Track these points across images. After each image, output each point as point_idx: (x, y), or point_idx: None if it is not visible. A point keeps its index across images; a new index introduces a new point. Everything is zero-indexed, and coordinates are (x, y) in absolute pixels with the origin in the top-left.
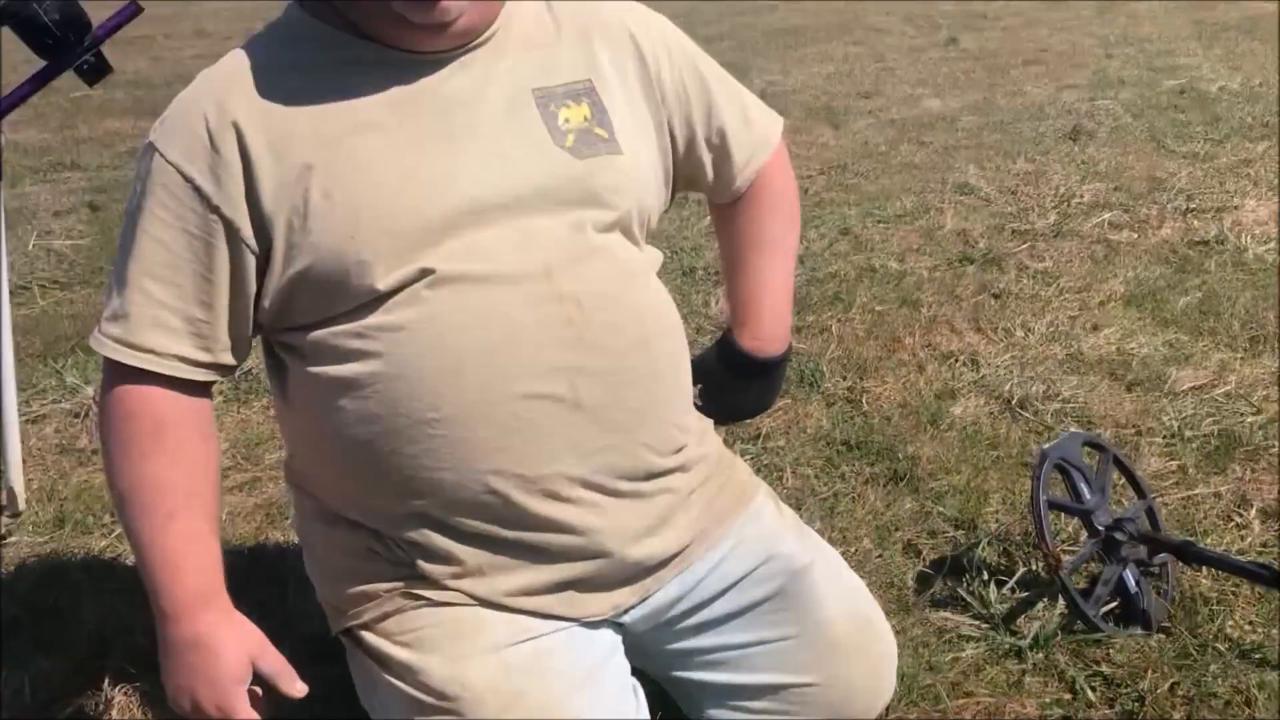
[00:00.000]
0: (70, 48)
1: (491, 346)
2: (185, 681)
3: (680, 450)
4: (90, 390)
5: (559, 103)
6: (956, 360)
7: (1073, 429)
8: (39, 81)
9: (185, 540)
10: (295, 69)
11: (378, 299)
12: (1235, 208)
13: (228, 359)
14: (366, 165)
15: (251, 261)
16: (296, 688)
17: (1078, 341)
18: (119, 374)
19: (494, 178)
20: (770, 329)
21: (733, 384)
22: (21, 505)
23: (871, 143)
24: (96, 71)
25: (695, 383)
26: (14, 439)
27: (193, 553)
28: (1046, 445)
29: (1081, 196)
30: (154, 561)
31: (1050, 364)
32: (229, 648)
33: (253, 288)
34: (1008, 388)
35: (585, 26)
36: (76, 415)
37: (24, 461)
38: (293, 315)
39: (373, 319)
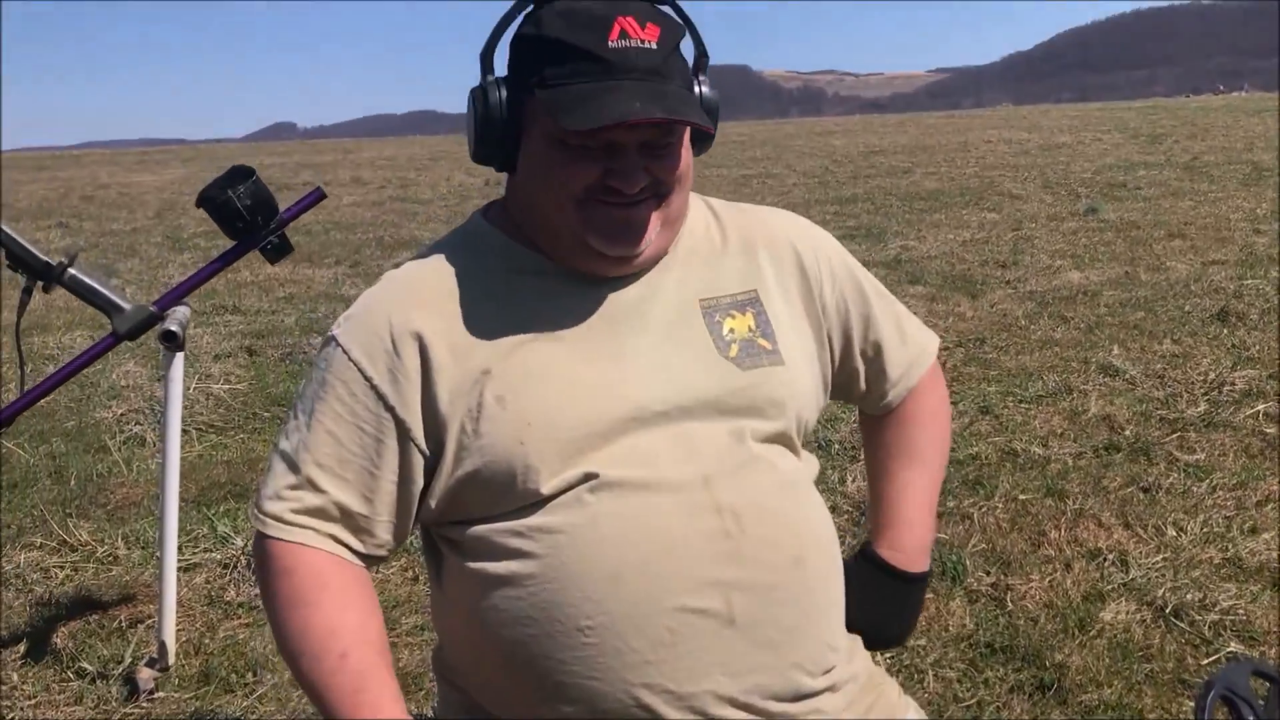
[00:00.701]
0: (258, 230)
1: (649, 556)
2: None
3: (830, 670)
4: (240, 541)
5: (724, 313)
6: (1105, 559)
7: (1237, 651)
8: (225, 261)
9: (362, 675)
10: (477, 277)
11: (540, 500)
12: None
13: (380, 552)
14: (539, 373)
15: (420, 461)
16: None
17: (1235, 545)
18: (273, 540)
19: (659, 387)
20: (909, 543)
21: (869, 595)
22: (171, 660)
23: (1010, 315)
24: (279, 251)
25: None
26: (171, 594)
27: (371, 686)
28: (1211, 675)
29: (1233, 384)
30: (333, 701)
31: (1206, 568)
32: None
33: (418, 486)
34: (1161, 593)
35: (750, 238)
36: (226, 566)
37: (175, 612)
38: (456, 511)
39: (534, 519)
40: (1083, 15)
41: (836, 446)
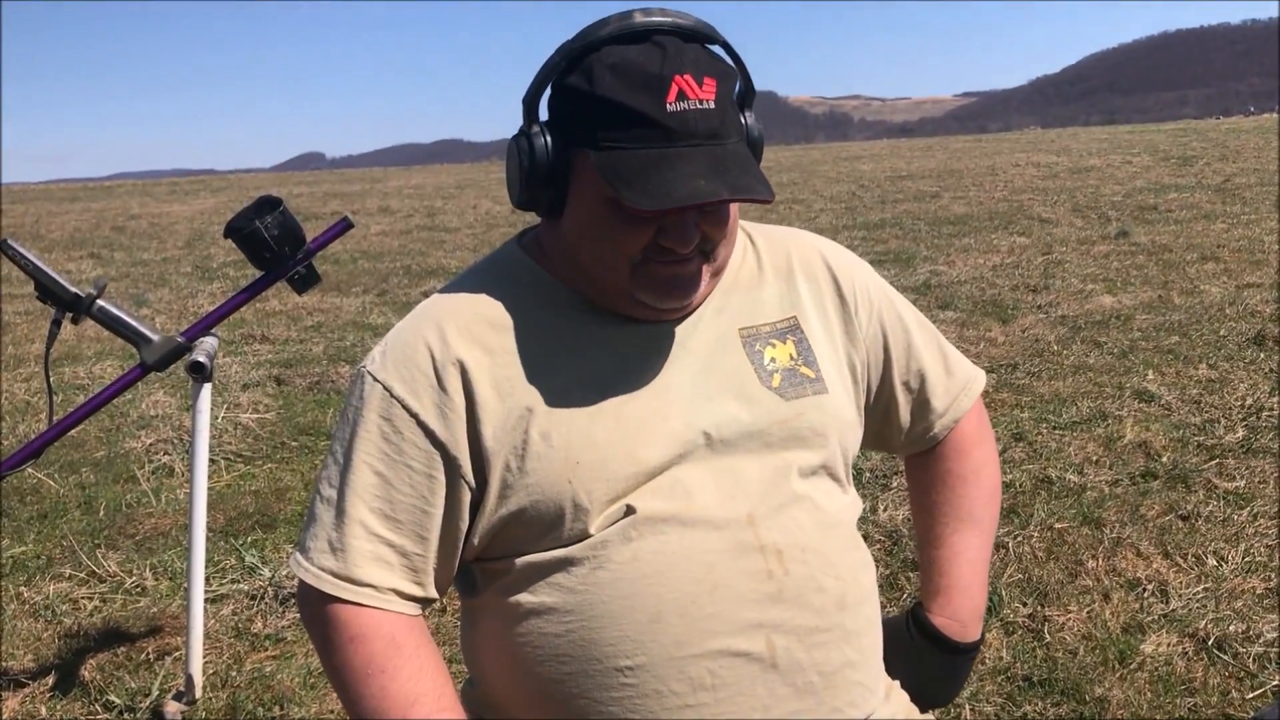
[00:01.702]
0: (285, 260)
1: (692, 596)
2: None
3: (870, 716)
4: (268, 572)
5: (765, 342)
6: (1144, 589)
7: None
8: (253, 292)
9: None
10: (516, 310)
11: (585, 537)
12: None
13: (434, 593)
14: (583, 409)
15: (468, 497)
16: None
17: (1278, 575)
18: (331, 601)
19: (703, 419)
20: (964, 611)
21: (917, 661)
22: (198, 693)
23: (1042, 340)
24: (306, 281)
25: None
26: (198, 626)
27: None
28: (1258, 710)
29: (1272, 409)
30: None
31: (1248, 599)
32: None
33: (466, 522)
34: (1203, 624)
35: (787, 263)
36: (254, 597)
37: (202, 644)
38: (497, 548)
39: (576, 552)
40: (1110, 38)
41: (868, 475)
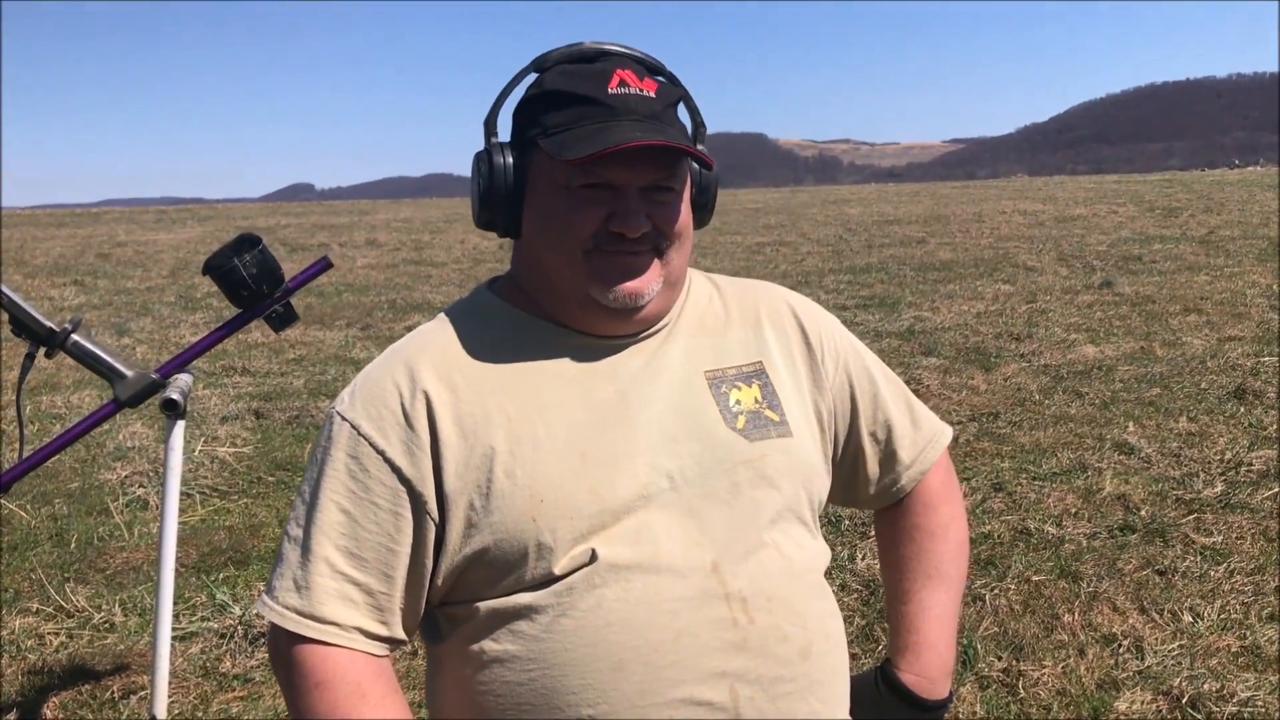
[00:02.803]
0: (263, 298)
1: (655, 644)
2: None
3: None
4: (238, 610)
5: (730, 384)
6: (1120, 645)
7: None
8: (230, 329)
9: None
10: (482, 349)
11: (550, 579)
12: None
13: (400, 633)
14: (548, 448)
15: (433, 534)
16: None
17: (1254, 632)
18: (296, 642)
19: (667, 460)
20: (932, 668)
21: (886, 715)
22: None
23: (1024, 389)
24: (284, 320)
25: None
26: (164, 666)
27: None
28: None
29: (1251, 464)
30: None
31: (1224, 656)
32: None
33: (431, 561)
34: (1177, 682)
35: (754, 310)
36: (223, 636)
37: (168, 684)
38: (461, 590)
39: (540, 598)
40: (1098, 88)
41: (847, 523)
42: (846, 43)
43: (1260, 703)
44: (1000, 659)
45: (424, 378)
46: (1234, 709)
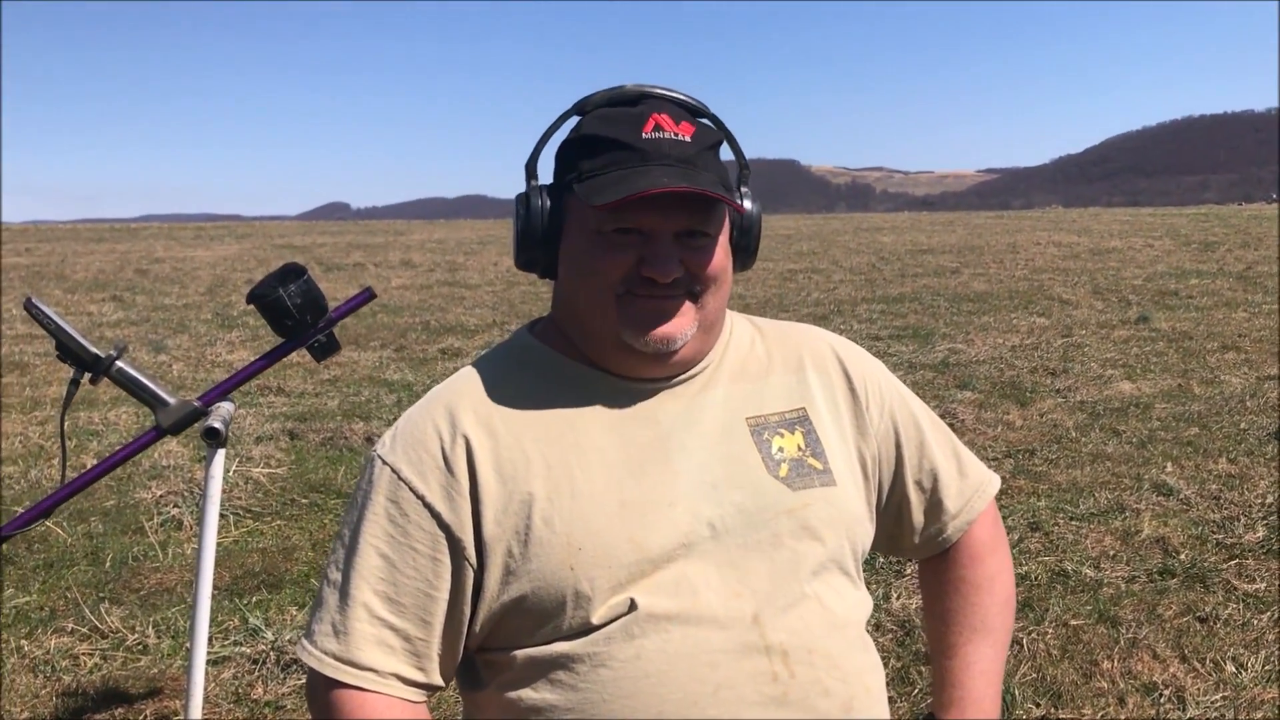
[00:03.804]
0: (306, 328)
1: (694, 698)
2: None
3: None
4: (270, 635)
5: (773, 432)
6: (1161, 694)
7: None
8: (273, 358)
9: None
10: (522, 394)
11: (588, 629)
12: None
13: (438, 679)
14: (587, 494)
15: (471, 580)
16: None
17: None
18: (334, 686)
19: (708, 508)
20: None
21: None
22: None
23: (1061, 426)
24: (326, 350)
25: None
26: (198, 693)
27: None
28: None
29: None
30: None
31: (1269, 708)
32: None
33: (469, 607)
34: None
35: (798, 355)
36: (255, 661)
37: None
38: (499, 638)
39: (578, 648)
40: (1135, 120)
41: (881, 562)
42: (881, 69)
43: None
44: (1039, 706)
45: (464, 422)
46: None
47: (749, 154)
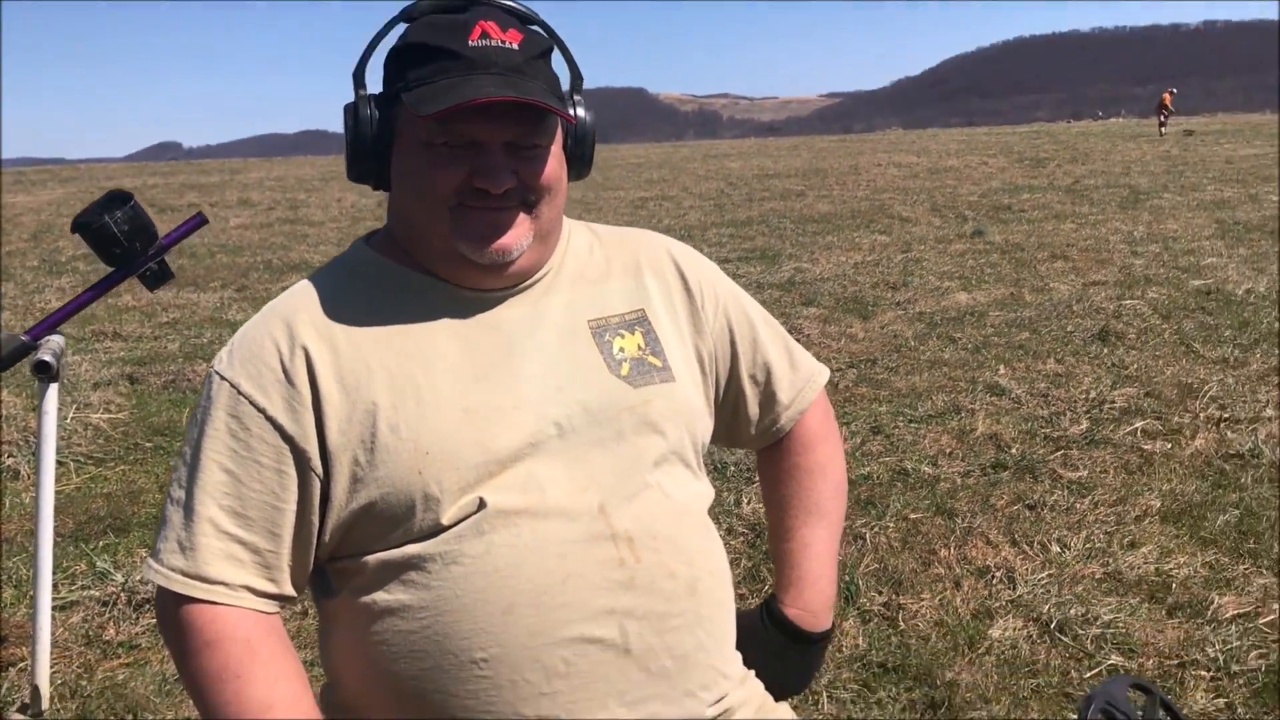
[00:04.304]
0: (136, 256)
1: (545, 587)
2: None
3: (723, 698)
4: (120, 577)
5: (614, 333)
6: (993, 576)
7: (1117, 664)
8: (102, 289)
9: None
10: (360, 305)
11: (438, 530)
12: (1268, 419)
13: (290, 590)
14: (431, 400)
15: (319, 490)
16: None
17: (1115, 560)
18: (184, 603)
19: (554, 408)
20: (814, 602)
21: (771, 651)
22: (45, 704)
23: (900, 336)
24: (158, 278)
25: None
26: (45, 635)
27: None
28: (1092, 689)
29: (1113, 402)
30: None
31: (1088, 583)
32: None
33: (318, 517)
34: (1046, 609)
35: (635, 259)
36: (105, 604)
37: (49, 653)
38: (350, 545)
39: (429, 548)
40: (969, 41)
41: (732, 469)
42: None
43: (1121, 624)
44: (881, 594)
45: (303, 334)
46: (1097, 631)
47: (595, 83)
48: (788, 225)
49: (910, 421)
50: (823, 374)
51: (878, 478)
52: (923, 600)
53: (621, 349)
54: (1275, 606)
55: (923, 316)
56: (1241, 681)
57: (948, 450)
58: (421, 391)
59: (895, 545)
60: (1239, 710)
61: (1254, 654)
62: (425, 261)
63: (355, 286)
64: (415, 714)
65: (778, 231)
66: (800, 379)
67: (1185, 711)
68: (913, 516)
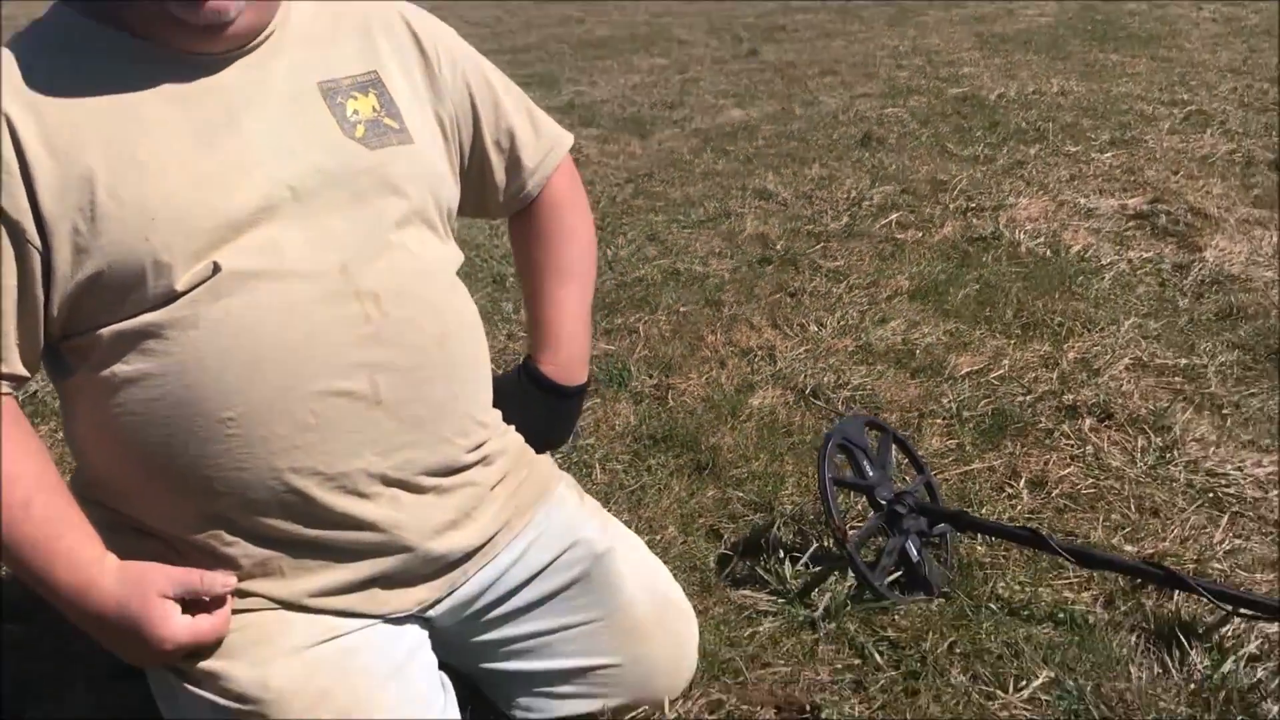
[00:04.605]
0: None
1: (288, 344)
2: (131, 653)
3: (482, 445)
4: None
5: (346, 95)
6: (755, 356)
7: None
8: None
9: (52, 522)
10: (66, 70)
11: (172, 296)
12: (1010, 205)
13: (20, 369)
14: (154, 164)
15: (39, 263)
16: (221, 582)
17: (866, 334)
18: None
19: (286, 172)
20: (568, 358)
21: (531, 408)
22: None
23: (677, 152)
24: None
25: (496, 404)
26: None
27: (66, 532)
28: (830, 429)
29: (871, 199)
30: (26, 555)
31: (841, 355)
32: (147, 608)
33: (42, 292)
34: (802, 379)
35: (364, 21)
36: None
37: None
38: (81, 320)
39: (165, 315)
40: None
41: (511, 279)
42: None
43: (868, 387)
44: (652, 377)
45: (4, 103)
46: (848, 393)
47: None
48: (566, 51)
49: (684, 227)
50: (566, 139)
51: (651, 279)
52: (690, 380)
53: (356, 111)
54: (1005, 363)
55: (698, 133)
56: (971, 425)
57: (717, 250)
58: (141, 156)
59: (666, 335)
60: (968, 449)
61: (983, 402)
62: (139, 22)
63: (59, 51)
64: (169, 480)
65: (556, 57)
66: (545, 144)
67: (921, 452)
68: (683, 309)
